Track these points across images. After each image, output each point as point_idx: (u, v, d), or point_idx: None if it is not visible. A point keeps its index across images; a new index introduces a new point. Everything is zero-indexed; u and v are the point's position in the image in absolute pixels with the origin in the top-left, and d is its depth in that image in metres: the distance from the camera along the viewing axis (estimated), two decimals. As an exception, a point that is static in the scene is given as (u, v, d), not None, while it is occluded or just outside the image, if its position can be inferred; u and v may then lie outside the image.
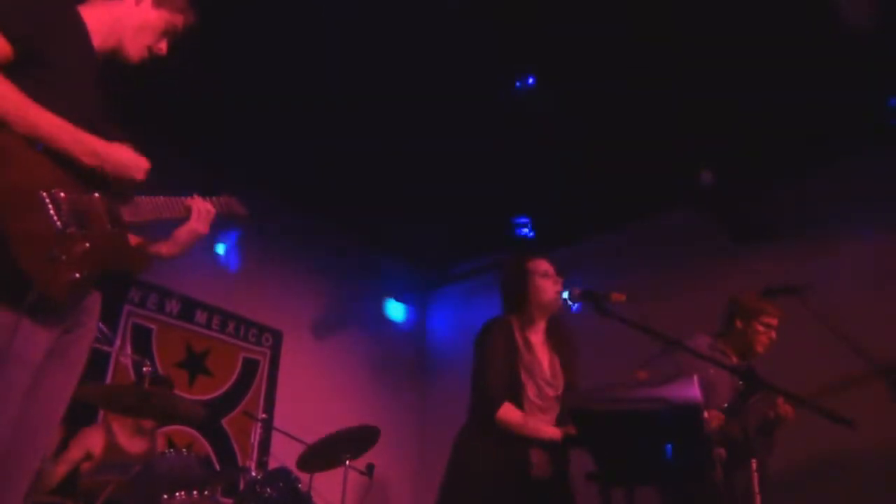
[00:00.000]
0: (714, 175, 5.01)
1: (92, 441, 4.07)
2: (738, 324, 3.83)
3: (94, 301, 1.95)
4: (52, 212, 1.70)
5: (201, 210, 2.17)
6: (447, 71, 4.57)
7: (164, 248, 2.18)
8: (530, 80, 4.47)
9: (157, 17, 2.08)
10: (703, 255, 5.53)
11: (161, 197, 2.09)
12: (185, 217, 2.16)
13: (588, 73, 4.52)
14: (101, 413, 4.63)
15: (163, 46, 2.14)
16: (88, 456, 3.98)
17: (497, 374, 3.16)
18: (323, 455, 4.40)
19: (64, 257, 1.68)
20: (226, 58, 4.34)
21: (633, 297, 3.01)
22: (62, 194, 1.74)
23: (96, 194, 1.85)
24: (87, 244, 1.76)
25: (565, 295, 3.12)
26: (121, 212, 1.92)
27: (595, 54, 4.37)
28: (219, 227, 2.42)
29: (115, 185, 1.92)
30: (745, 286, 4.17)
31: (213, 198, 2.25)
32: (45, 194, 1.71)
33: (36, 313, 1.68)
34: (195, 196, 2.19)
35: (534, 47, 4.40)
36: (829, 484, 4.39)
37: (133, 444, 4.16)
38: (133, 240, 2.16)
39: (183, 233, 2.17)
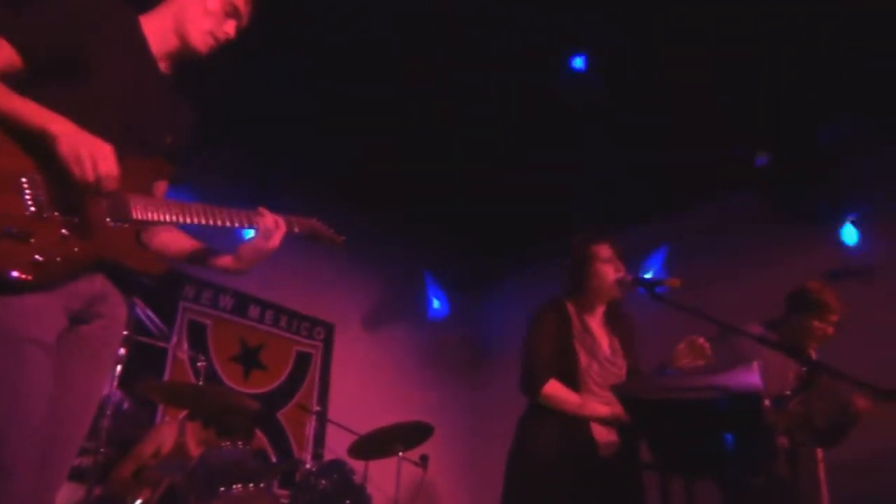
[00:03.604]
0: (769, 157, 4.84)
1: (164, 438, 4.15)
2: (796, 315, 3.64)
3: (113, 292, 1.92)
4: (27, 195, 1.73)
5: (269, 226, 2.07)
6: (499, 54, 4.49)
7: (228, 262, 2.13)
8: (580, 62, 4.38)
9: (211, 2, 2.05)
10: (764, 239, 5.35)
11: (209, 206, 2.01)
12: (251, 230, 2.09)
13: (644, 53, 4.41)
14: (161, 408, 4.73)
15: (229, 29, 2.09)
16: (156, 453, 4.07)
17: (544, 350, 3.12)
18: (375, 445, 4.42)
19: (33, 240, 1.70)
20: (269, 49, 4.35)
21: (691, 283, 2.93)
22: (45, 180, 1.75)
23: None
24: (65, 230, 1.76)
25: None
26: (130, 208, 1.89)
27: (650, 34, 4.26)
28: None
29: (136, 183, 1.91)
30: (806, 271, 4.00)
31: (289, 216, 2.15)
32: (24, 179, 1.73)
33: (23, 293, 1.70)
34: (261, 210, 2.09)
35: (587, 26, 4.30)
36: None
37: (198, 451, 4.22)
38: (192, 243, 2.15)
39: (247, 249, 2.10)
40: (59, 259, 1.74)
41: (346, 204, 6.15)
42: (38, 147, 1.73)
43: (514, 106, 4.91)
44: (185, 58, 2.08)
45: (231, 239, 2.12)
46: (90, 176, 1.70)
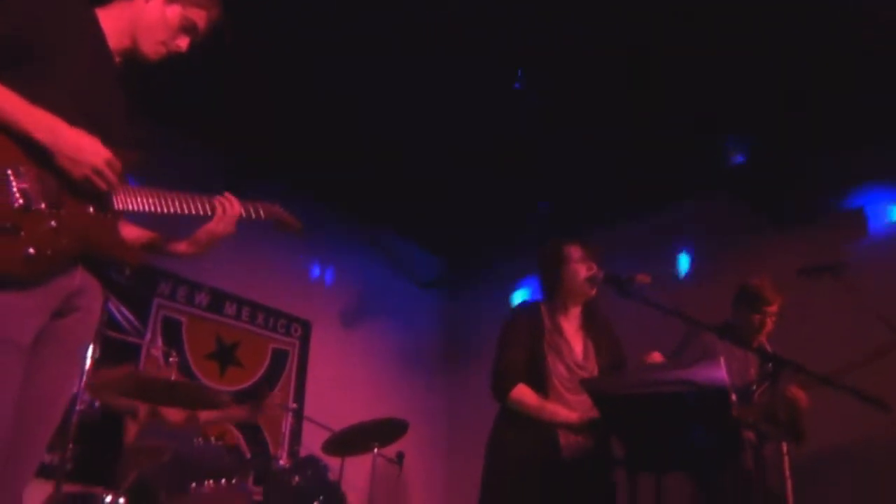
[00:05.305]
0: (744, 156, 4.89)
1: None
2: (741, 311, 3.68)
3: (91, 285, 1.90)
4: (14, 188, 1.69)
5: (226, 211, 2.10)
6: (469, 57, 4.49)
7: (182, 247, 2.16)
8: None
9: (170, 13, 2.04)
10: (742, 238, 5.38)
11: (178, 193, 2.02)
12: (209, 216, 2.11)
13: (615, 51, 4.40)
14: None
15: (181, 43, 2.08)
16: (133, 412, 4.00)
17: (513, 355, 3.16)
18: (351, 441, 4.41)
19: (23, 233, 1.67)
20: (241, 49, 4.33)
21: (664, 282, 2.96)
22: (31, 171, 1.73)
23: None
24: (54, 223, 1.73)
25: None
26: (111, 198, 1.88)
27: (624, 31, 4.25)
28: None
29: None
30: (784, 269, 4.02)
31: (251, 201, 2.18)
32: (10, 171, 1.70)
33: (8, 291, 1.66)
34: (225, 194, 2.12)
35: (562, 25, 4.29)
36: (864, 469, 4.25)
37: (172, 413, 4.13)
38: (146, 233, 2.16)
39: (202, 233, 2.13)
40: (49, 252, 1.71)
41: (323, 201, 6.16)
42: (21, 138, 1.71)
43: (487, 105, 4.90)
44: (134, 59, 2.07)
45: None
46: (103, 186, 1.79)
